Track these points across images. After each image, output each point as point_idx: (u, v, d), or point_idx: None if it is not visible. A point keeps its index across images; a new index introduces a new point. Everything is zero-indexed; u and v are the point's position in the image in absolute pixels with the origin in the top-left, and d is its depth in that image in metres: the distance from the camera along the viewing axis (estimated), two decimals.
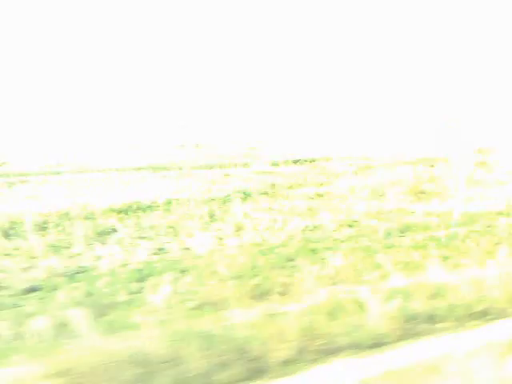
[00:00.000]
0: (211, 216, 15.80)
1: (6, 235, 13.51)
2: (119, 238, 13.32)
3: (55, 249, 12.24)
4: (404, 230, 12.21)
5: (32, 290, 9.21)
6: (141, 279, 9.59)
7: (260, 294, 8.10)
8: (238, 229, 13.83)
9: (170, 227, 14.52)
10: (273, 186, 23.61)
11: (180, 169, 33.98)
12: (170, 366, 4.11)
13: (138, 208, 17.26)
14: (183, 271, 9.85)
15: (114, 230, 13.95)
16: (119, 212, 16.43)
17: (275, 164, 36.69)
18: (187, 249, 11.94)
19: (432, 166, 28.74)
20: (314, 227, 13.57)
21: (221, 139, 75.86)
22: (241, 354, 4.28)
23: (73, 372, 4.07)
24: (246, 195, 19.71)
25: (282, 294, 7.85)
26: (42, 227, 14.56)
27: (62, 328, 6.83)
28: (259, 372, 4.11)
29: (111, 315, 7.46)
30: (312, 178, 26.67)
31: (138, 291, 8.89)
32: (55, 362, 4.24)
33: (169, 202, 18.30)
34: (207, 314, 7.16)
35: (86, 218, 15.81)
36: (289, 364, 4.19)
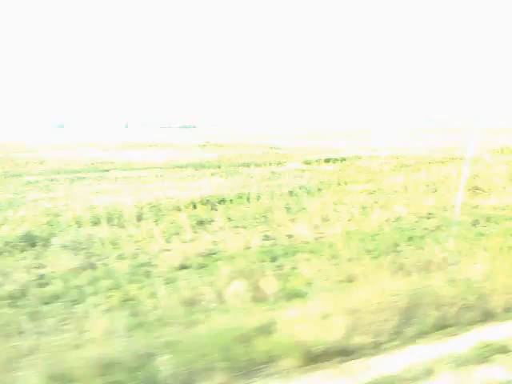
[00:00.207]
0: (288, 208, 17.09)
1: (114, 224, 14.81)
2: (218, 226, 14.64)
3: (167, 235, 13.54)
4: (485, 221, 13.54)
5: (183, 267, 10.54)
6: (272, 259, 10.92)
7: (395, 270, 9.41)
8: (324, 219, 15.13)
9: (258, 217, 15.83)
10: (322, 182, 24.85)
11: (219, 167, 35.26)
12: (422, 309, 5.43)
13: (216, 201, 18.55)
14: (308, 253, 11.17)
15: (211, 220, 15.24)
16: (202, 204, 17.73)
17: (307, 162, 37.85)
18: (290, 236, 13.25)
19: (470, 163, 30.02)
20: (396, 218, 14.88)
21: (237, 139, 77.30)
22: (463, 304, 5.59)
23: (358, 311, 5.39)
24: (308, 190, 21.02)
25: (419, 269, 9.17)
26: (139, 218, 15.83)
27: (254, 292, 8.18)
28: (489, 316, 5.42)
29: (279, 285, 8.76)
30: (354, 176, 27.90)
31: (279, 268, 10.22)
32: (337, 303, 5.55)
33: (240, 196, 19.59)
34: (364, 284, 8.48)
35: (174, 209, 17.10)
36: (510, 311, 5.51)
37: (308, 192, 20.57)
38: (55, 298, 8.60)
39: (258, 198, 19.13)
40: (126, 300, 8.03)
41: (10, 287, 9.14)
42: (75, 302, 8.18)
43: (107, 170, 31.91)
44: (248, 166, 36.08)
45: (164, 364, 4.50)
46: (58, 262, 10.82)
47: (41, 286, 9.40)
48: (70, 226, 14.33)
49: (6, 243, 12.30)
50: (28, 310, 7.74)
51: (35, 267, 10.67)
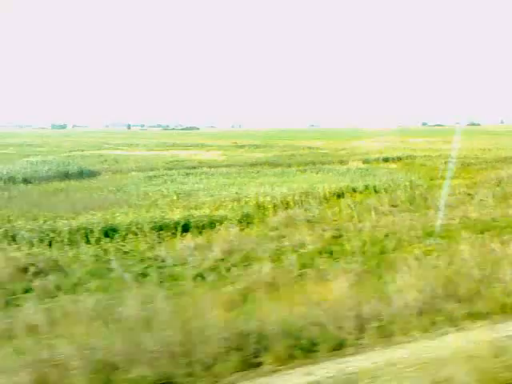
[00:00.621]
0: (426, 197, 19.46)
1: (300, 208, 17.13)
2: (386, 210, 17.02)
3: (359, 216, 15.86)
4: None
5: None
6: (481, 232, 13.31)
7: None
8: (473, 205, 17.57)
9: (407, 204, 18.19)
10: (416, 178, 26.94)
11: (290, 165, 37.48)
12: None
13: (350, 192, 20.96)
14: (503, 228, 13.62)
15: (376, 205, 17.57)
16: (348, 193, 20.23)
17: (367, 161, 40.04)
18: (466, 217, 15.66)
19: None
20: None
21: (261, 140, 79.40)
22: None
23: None
24: (422, 183, 23.43)
25: None
26: (310, 203, 18.11)
27: None
28: None
29: None
30: (433, 173, 30.06)
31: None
32: None
33: (366, 188, 21.95)
34: None
35: (324, 197, 19.49)
36: None
37: (422, 185, 22.93)
38: (352, 253, 11.07)
39: (386, 189, 21.49)
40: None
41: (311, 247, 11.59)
42: (379, 254, 10.68)
43: (195, 167, 33.90)
44: (314, 163, 38.16)
45: None
46: (307, 232, 13.21)
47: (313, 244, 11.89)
48: (265, 209, 16.72)
49: (237, 220, 14.70)
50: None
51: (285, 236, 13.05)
